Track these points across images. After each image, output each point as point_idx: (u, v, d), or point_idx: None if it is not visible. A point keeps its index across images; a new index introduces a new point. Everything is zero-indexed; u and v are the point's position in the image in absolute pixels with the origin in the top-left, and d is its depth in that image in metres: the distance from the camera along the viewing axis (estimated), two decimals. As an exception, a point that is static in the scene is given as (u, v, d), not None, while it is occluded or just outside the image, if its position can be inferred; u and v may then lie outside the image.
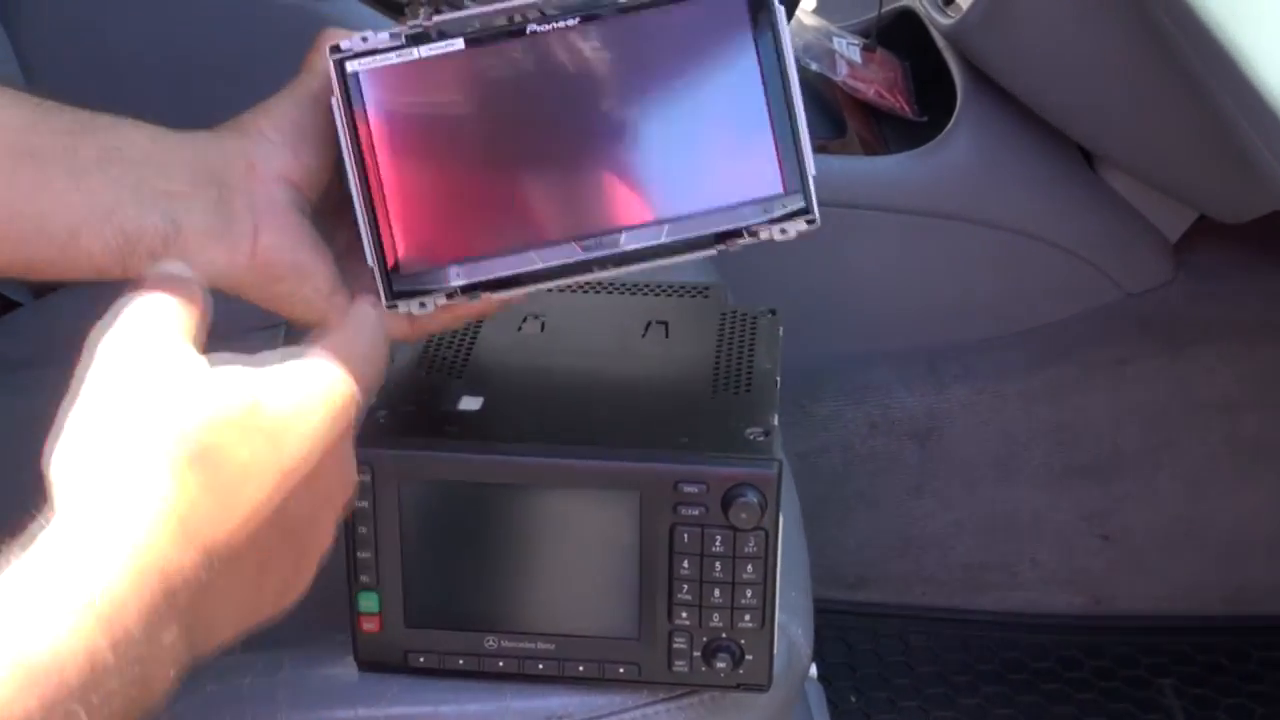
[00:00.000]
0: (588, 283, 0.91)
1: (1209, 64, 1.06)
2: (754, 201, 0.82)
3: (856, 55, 1.66)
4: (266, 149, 0.81)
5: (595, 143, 0.83)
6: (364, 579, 0.88)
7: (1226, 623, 1.67)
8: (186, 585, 0.57)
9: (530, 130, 0.83)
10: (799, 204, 0.82)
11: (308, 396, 0.65)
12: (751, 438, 0.87)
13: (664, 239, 0.83)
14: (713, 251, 0.83)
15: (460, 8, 1.61)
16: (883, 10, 1.72)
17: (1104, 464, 1.62)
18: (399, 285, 0.83)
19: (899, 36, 1.72)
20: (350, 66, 0.82)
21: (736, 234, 0.83)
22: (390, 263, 0.83)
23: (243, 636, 0.65)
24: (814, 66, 1.61)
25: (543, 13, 0.82)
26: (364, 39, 0.82)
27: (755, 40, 0.81)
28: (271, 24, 1.44)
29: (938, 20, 1.58)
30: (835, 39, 1.66)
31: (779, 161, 0.82)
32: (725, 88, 0.82)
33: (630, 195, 0.83)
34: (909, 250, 1.57)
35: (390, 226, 0.83)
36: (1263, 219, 1.46)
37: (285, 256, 0.80)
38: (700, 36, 0.82)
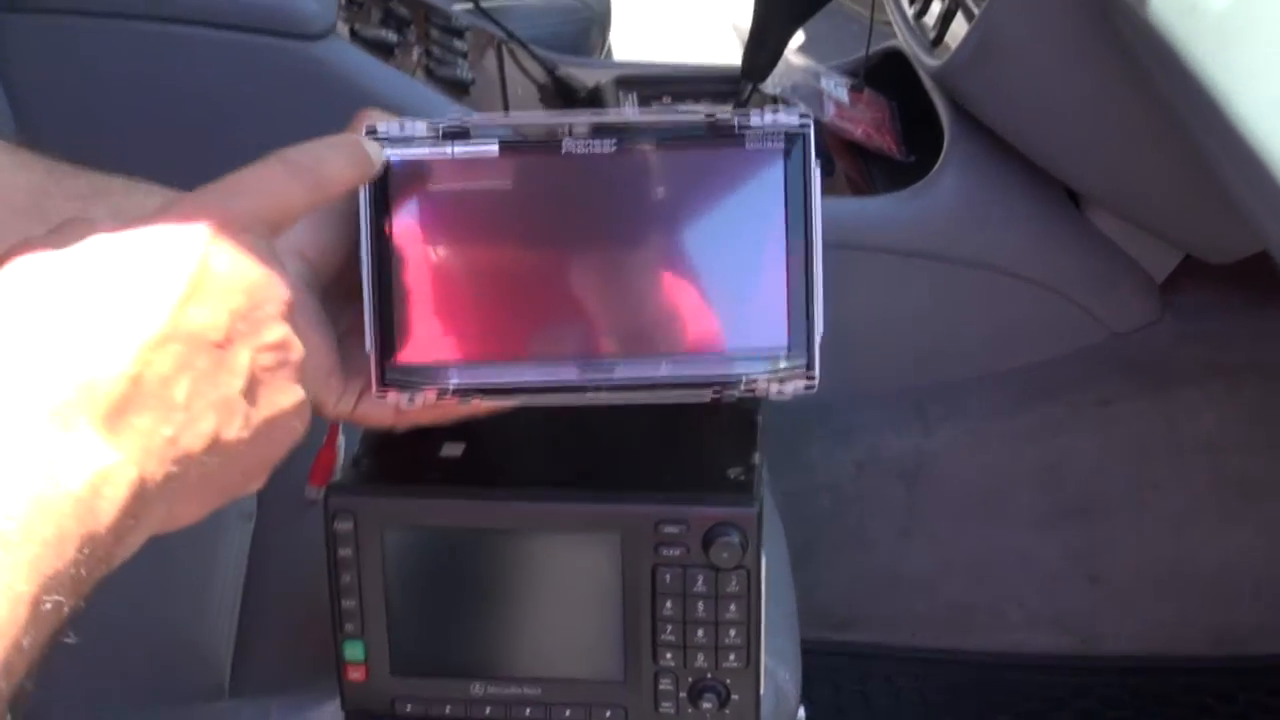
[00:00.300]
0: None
1: (1193, 106, 1.07)
2: (755, 351, 0.83)
3: (844, 95, 1.67)
4: None
5: (610, 268, 0.83)
6: (349, 627, 0.88)
7: (1213, 663, 1.67)
8: (72, 415, 0.56)
9: (548, 245, 0.83)
10: (800, 361, 0.83)
11: (157, 217, 0.63)
12: (733, 477, 0.88)
13: (661, 375, 0.83)
14: (707, 397, 0.84)
15: (450, 49, 1.62)
16: (870, 51, 1.73)
17: (1090, 504, 1.62)
18: (391, 375, 0.83)
19: (887, 77, 1.73)
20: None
21: (734, 384, 0.83)
22: (388, 351, 0.83)
23: (228, 487, 0.65)
24: (802, 107, 1.62)
25: (581, 131, 0.82)
26: (400, 126, 0.82)
27: (786, 196, 0.82)
28: (262, 65, 1.44)
29: (925, 61, 1.59)
30: (823, 79, 1.67)
31: (788, 317, 0.82)
32: (747, 236, 0.82)
33: (635, 325, 0.83)
34: (896, 290, 1.58)
35: (395, 315, 0.83)
36: (1248, 259, 1.47)
37: None
38: (732, 181, 0.82)
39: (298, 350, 0.66)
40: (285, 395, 0.65)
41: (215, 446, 0.62)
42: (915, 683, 1.68)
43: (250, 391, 0.63)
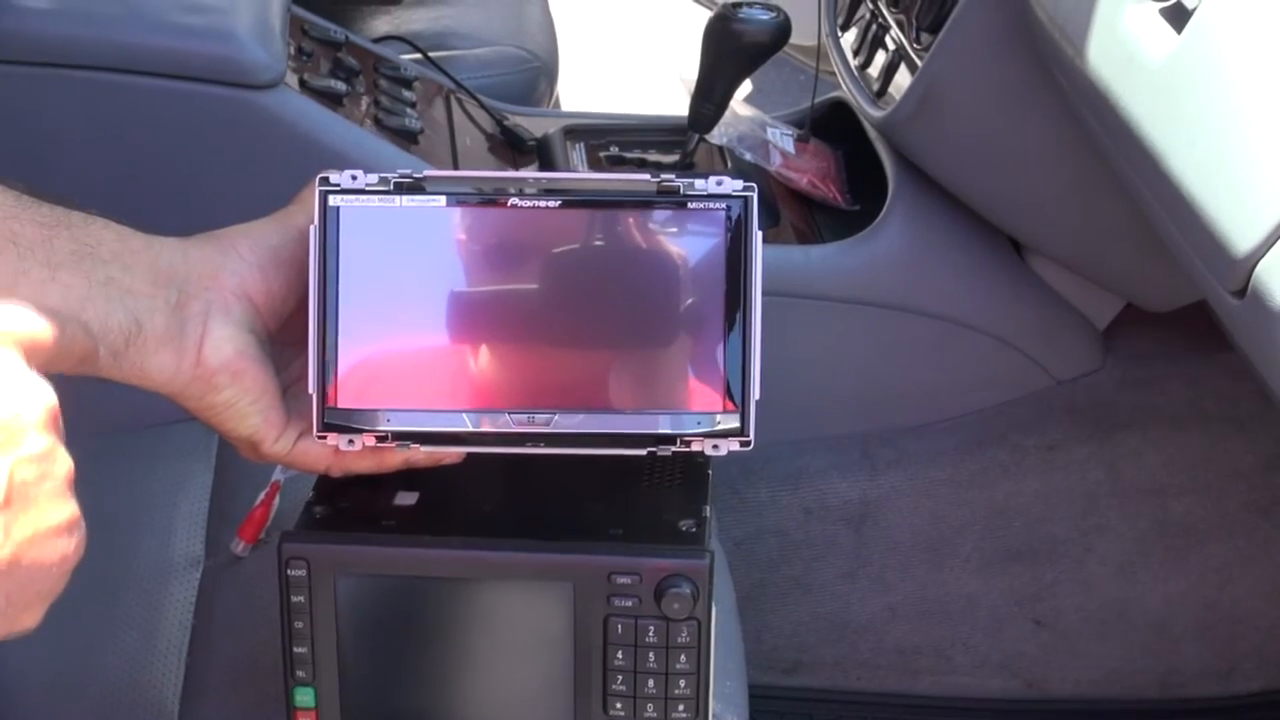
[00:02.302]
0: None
1: (1130, 158, 1.09)
2: (692, 410, 0.84)
3: (790, 145, 1.69)
4: (235, 264, 0.83)
5: (550, 321, 0.85)
6: (300, 674, 0.88)
7: (1157, 706, 1.68)
8: None
9: (489, 297, 0.85)
10: (735, 424, 0.84)
11: None
12: (684, 529, 0.89)
13: (597, 430, 0.84)
14: (643, 453, 0.85)
15: (399, 99, 1.63)
16: (816, 101, 1.74)
17: (1035, 548, 1.63)
18: (332, 418, 0.85)
19: (832, 127, 1.75)
20: (333, 200, 0.84)
21: (669, 442, 0.85)
22: (330, 394, 0.84)
23: None
24: (748, 156, 1.63)
25: (524, 189, 0.84)
26: (353, 176, 0.84)
27: (727, 260, 0.84)
28: (211, 115, 1.45)
29: (869, 112, 1.61)
30: (769, 129, 1.68)
31: (724, 378, 0.84)
32: (688, 297, 0.84)
33: (573, 379, 0.85)
34: (842, 338, 1.59)
35: (339, 360, 0.84)
36: (1188, 307, 1.49)
37: (226, 365, 0.81)
38: (675, 244, 0.84)
39: (63, 463, 0.62)
40: (51, 510, 0.61)
41: None
42: (863, 727, 1.68)
43: (9, 505, 0.59)
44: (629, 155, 1.66)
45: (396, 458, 0.87)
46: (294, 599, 0.87)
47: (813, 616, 1.65)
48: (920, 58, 1.48)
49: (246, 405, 0.83)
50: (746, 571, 1.61)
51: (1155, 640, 1.67)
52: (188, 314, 0.81)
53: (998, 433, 1.63)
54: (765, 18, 1.51)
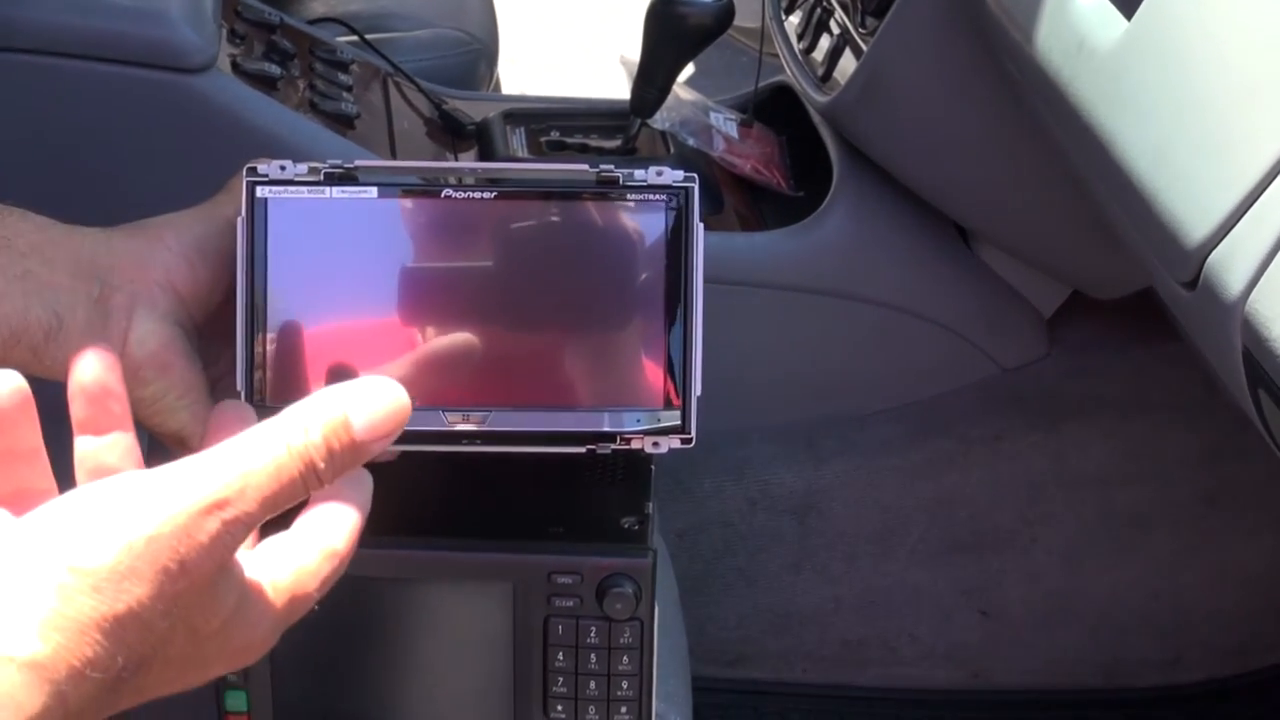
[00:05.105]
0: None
1: (1079, 145, 1.08)
2: (632, 407, 0.82)
3: (733, 130, 1.67)
4: (162, 255, 0.80)
5: (485, 316, 0.83)
6: (231, 676, 0.86)
7: (1103, 696, 1.69)
8: None
9: (422, 291, 0.83)
10: (675, 420, 0.82)
11: None
12: (626, 526, 0.87)
13: (535, 428, 0.82)
14: (581, 451, 0.83)
15: (335, 82, 1.60)
16: (760, 86, 1.73)
17: (981, 538, 1.63)
18: (262, 416, 0.82)
19: (776, 111, 1.73)
20: (260, 191, 0.81)
21: (609, 438, 0.83)
22: (258, 390, 0.82)
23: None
24: (691, 142, 1.62)
25: (461, 180, 0.82)
26: (282, 167, 0.82)
27: (668, 252, 0.82)
28: (142, 99, 1.42)
29: (814, 98, 1.60)
30: (712, 114, 1.67)
31: (666, 374, 0.82)
32: (628, 291, 0.82)
33: (509, 376, 0.83)
34: (787, 326, 1.58)
35: (268, 356, 0.82)
36: (1134, 295, 1.49)
37: (152, 359, 0.79)
38: (615, 235, 0.82)
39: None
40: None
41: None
42: (807, 718, 1.67)
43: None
44: (570, 140, 1.64)
45: None
46: (225, 600, 0.84)
47: (757, 608, 1.64)
48: (865, 42, 1.47)
49: (174, 400, 0.80)
50: (690, 563, 1.60)
51: (1101, 630, 1.67)
52: (111, 307, 0.78)
53: (943, 422, 1.62)
54: (709, 0, 1.49)
